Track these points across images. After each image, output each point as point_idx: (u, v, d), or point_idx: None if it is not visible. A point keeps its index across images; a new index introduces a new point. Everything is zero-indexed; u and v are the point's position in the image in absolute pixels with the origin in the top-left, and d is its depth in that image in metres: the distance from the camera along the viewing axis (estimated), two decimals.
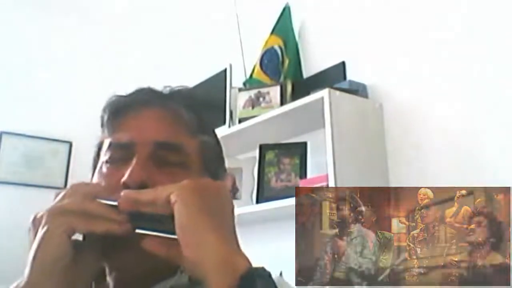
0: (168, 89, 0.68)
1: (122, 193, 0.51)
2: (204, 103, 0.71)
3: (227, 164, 0.72)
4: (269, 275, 0.46)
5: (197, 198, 0.48)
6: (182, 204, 0.47)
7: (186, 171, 0.61)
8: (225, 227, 0.49)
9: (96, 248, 0.54)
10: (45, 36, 3.17)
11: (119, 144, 0.62)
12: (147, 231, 0.50)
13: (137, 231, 0.50)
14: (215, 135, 0.71)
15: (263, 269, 0.46)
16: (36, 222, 0.51)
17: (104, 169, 0.62)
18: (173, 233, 0.47)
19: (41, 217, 0.51)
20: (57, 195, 0.54)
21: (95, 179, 0.63)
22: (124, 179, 0.56)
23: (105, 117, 0.66)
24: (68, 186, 0.54)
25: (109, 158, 0.62)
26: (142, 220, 0.50)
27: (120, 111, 0.65)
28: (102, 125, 0.67)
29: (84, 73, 3.22)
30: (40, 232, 0.49)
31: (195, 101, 0.69)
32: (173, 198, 0.48)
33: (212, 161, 0.68)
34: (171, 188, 0.49)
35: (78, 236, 0.52)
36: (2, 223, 2.72)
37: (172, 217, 0.47)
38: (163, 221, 0.48)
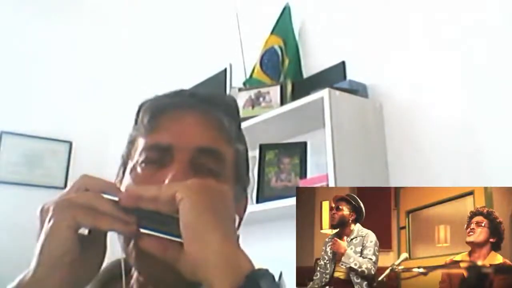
0: (207, 94, 0.67)
1: (124, 189, 0.50)
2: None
3: None
4: (273, 276, 0.46)
5: (202, 197, 0.48)
6: (188, 201, 0.47)
7: (220, 179, 0.60)
8: (228, 228, 0.49)
9: (101, 242, 0.54)
10: (45, 36, 3.17)
11: (158, 145, 0.60)
12: (151, 231, 0.49)
13: (142, 230, 0.49)
14: (246, 144, 0.70)
15: (266, 270, 0.46)
16: (43, 213, 0.51)
17: (139, 170, 0.60)
18: (178, 236, 0.47)
19: (48, 208, 0.50)
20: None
21: (127, 180, 0.61)
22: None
23: (143, 116, 0.63)
24: (79, 177, 0.53)
25: (145, 159, 0.60)
26: (148, 219, 0.49)
27: (160, 111, 0.63)
28: (137, 123, 0.65)
29: (84, 73, 3.22)
30: (47, 225, 0.49)
31: (234, 108, 0.68)
32: (179, 195, 0.48)
33: (243, 170, 0.67)
34: (176, 186, 0.49)
35: (84, 231, 0.51)
36: (2, 223, 2.72)
37: (177, 218, 0.47)
38: (169, 222, 0.48)
